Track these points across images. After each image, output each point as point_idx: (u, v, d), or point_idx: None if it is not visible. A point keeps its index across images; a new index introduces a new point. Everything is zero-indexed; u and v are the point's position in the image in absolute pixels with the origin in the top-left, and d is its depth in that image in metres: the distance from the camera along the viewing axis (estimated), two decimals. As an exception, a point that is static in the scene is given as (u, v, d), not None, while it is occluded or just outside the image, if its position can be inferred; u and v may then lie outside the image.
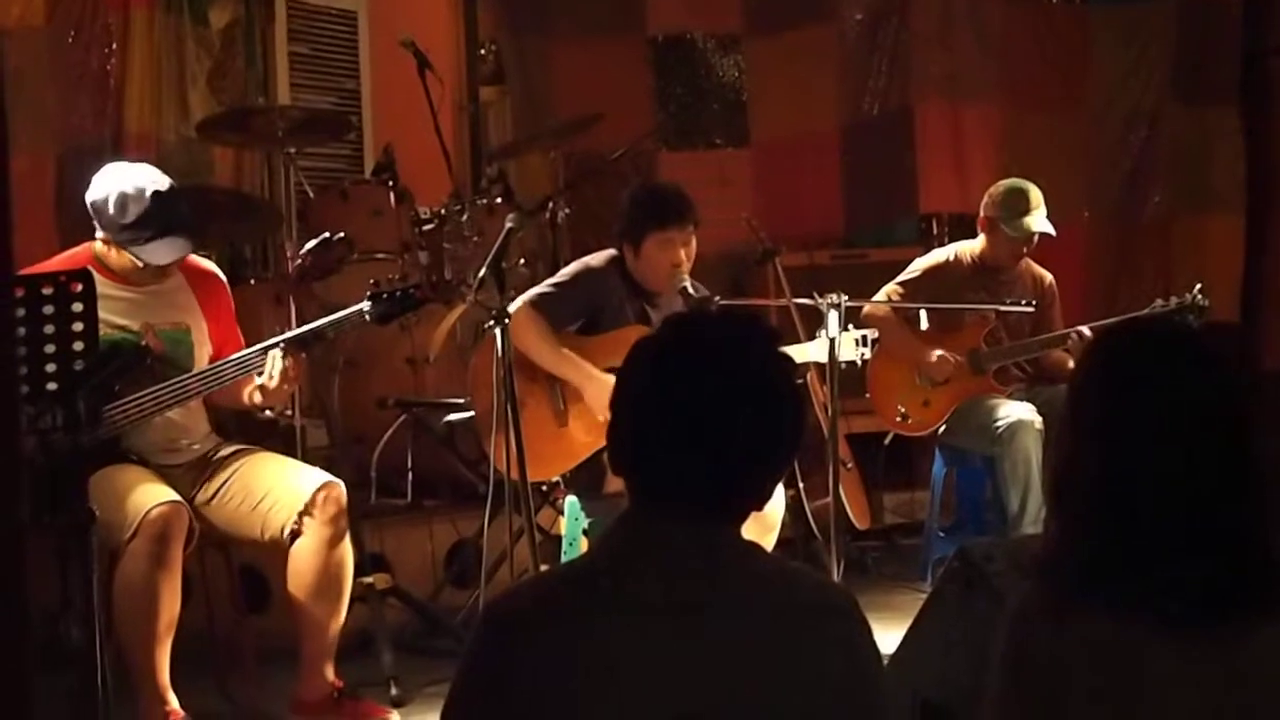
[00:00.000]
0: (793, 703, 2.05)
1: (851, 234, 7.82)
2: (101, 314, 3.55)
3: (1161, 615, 2.09)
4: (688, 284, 4.95)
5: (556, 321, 4.95)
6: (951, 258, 6.15)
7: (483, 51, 8.29)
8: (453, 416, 5.84)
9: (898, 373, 6.05)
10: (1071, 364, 5.78)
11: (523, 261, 6.32)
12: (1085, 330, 5.75)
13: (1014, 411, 5.80)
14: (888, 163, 7.79)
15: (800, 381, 2.23)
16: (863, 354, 5.10)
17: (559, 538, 5.04)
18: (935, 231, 7.68)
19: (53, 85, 6.28)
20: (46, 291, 3.39)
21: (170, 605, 4.17)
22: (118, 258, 4.36)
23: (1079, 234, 7.68)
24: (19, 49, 6.06)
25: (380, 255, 6.21)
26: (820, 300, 4.95)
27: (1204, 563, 2.09)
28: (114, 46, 6.45)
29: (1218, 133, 7.64)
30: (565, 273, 5.13)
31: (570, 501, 4.91)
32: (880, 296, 6.02)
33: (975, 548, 3.17)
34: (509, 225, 4.66)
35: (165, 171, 4.45)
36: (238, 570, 4.79)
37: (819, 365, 5.05)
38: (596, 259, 5.11)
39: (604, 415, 4.78)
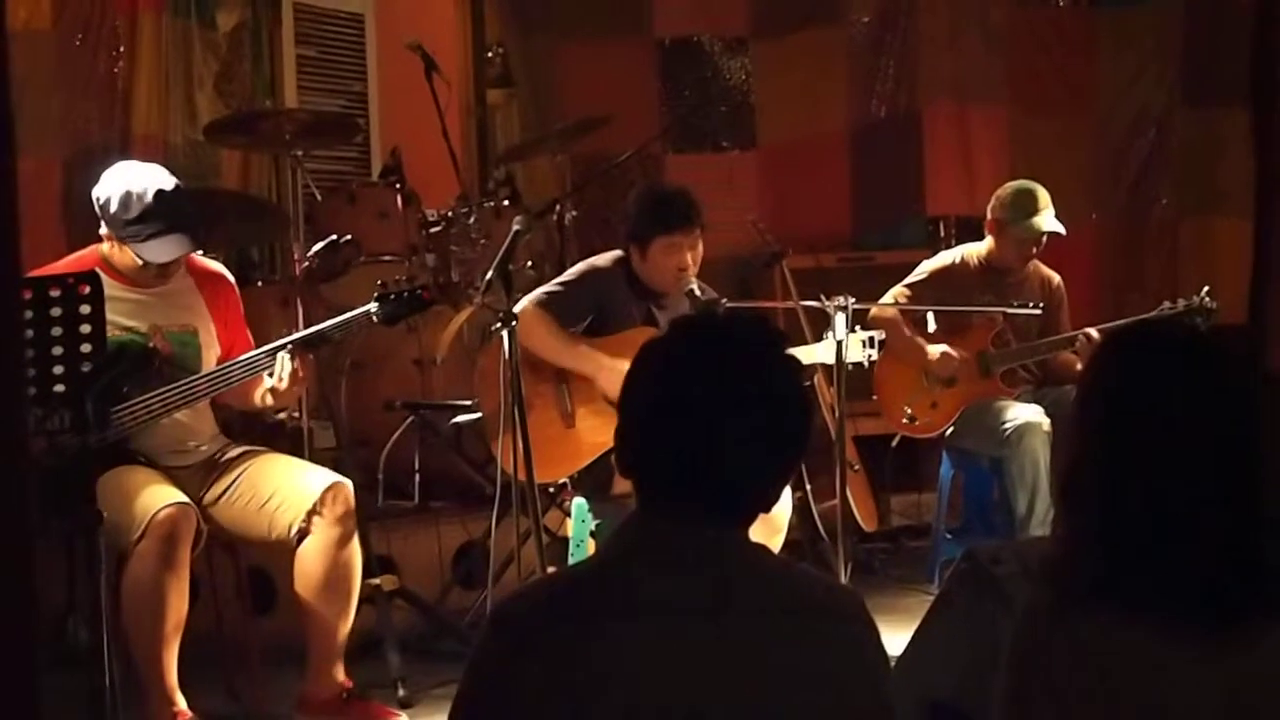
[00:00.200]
0: (800, 705, 2.05)
1: (859, 236, 7.82)
2: (109, 316, 3.56)
3: (1169, 617, 2.08)
4: (695, 286, 4.95)
5: (563, 321, 4.96)
6: (959, 260, 6.15)
7: (490, 54, 8.30)
8: (460, 418, 5.84)
9: (905, 375, 6.04)
10: (1080, 366, 5.77)
11: (530, 264, 6.32)
12: (1093, 332, 5.75)
13: (1022, 414, 5.79)
14: (895, 165, 7.80)
15: (807, 384, 2.23)
16: (870, 355, 5.10)
17: (566, 540, 5.04)
18: (943, 234, 7.67)
19: (60, 88, 6.30)
20: (54, 294, 3.40)
21: (178, 606, 4.17)
22: (125, 259, 4.37)
23: (1087, 236, 7.67)
24: (26, 52, 6.07)
25: (387, 258, 6.21)
26: (827, 303, 4.94)
27: (1212, 565, 2.09)
28: (121, 49, 6.47)
29: (1226, 135, 7.62)
30: (571, 272, 5.13)
31: (578, 503, 4.92)
32: (887, 299, 6.01)
33: (983, 550, 3.16)
34: (516, 228, 4.67)
35: (172, 174, 4.46)
36: (245, 571, 4.79)
37: (826, 367, 5.05)
38: (602, 260, 5.11)
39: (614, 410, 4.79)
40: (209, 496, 4.45)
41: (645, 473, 2.16)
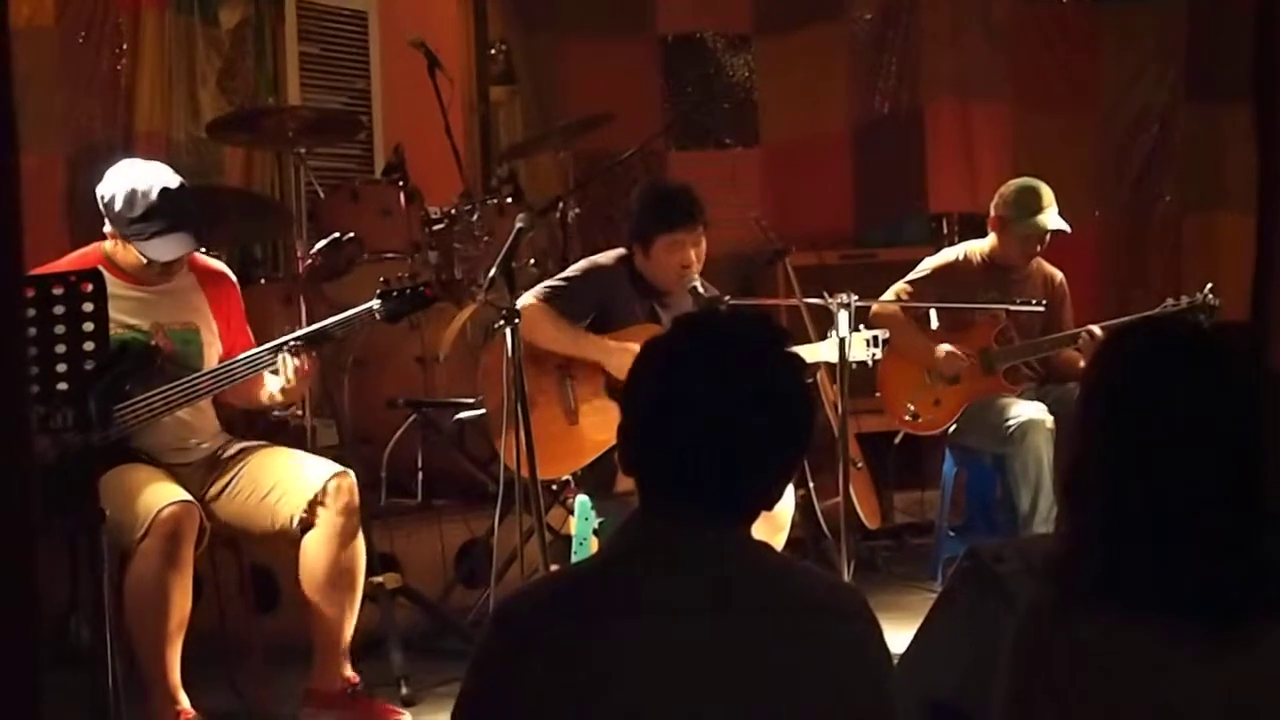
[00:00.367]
0: (803, 703, 2.05)
1: (861, 233, 7.82)
2: (111, 314, 3.55)
3: (1172, 616, 2.08)
4: (697, 283, 4.95)
5: (565, 316, 4.96)
6: (961, 257, 6.15)
7: (493, 51, 8.30)
8: (462, 415, 5.84)
9: (908, 372, 6.04)
10: (1082, 363, 5.77)
11: (533, 261, 6.32)
12: (1096, 330, 5.74)
13: (1025, 411, 5.79)
14: (898, 162, 7.80)
15: (810, 381, 2.23)
16: (874, 354, 5.09)
17: (569, 537, 5.03)
18: (945, 231, 7.67)
19: (63, 85, 6.30)
20: (57, 292, 3.40)
21: (181, 604, 4.17)
22: (127, 256, 4.37)
23: (1090, 233, 7.66)
24: (29, 49, 6.07)
25: (390, 255, 6.21)
26: (830, 300, 4.94)
27: (1215, 564, 2.09)
28: (124, 47, 6.47)
29: (1229, 131, 7.62)
30: (573, 269, 5.14)
31: (580, 501, 4.91)
32: (889, 296, 6.01)
33: (986, 547, 3.16)
34: (519, 225, 4.66)
35: (176, 171, 4.46)
36: (248, 569, 4.79)
37: (829, 365, 5.05)
38: (605, 257, 5.11)
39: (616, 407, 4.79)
40: (211, 493, 4.46)
41: (648, 470, 2.16)
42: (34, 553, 1.57)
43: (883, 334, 5.14)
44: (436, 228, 6.30)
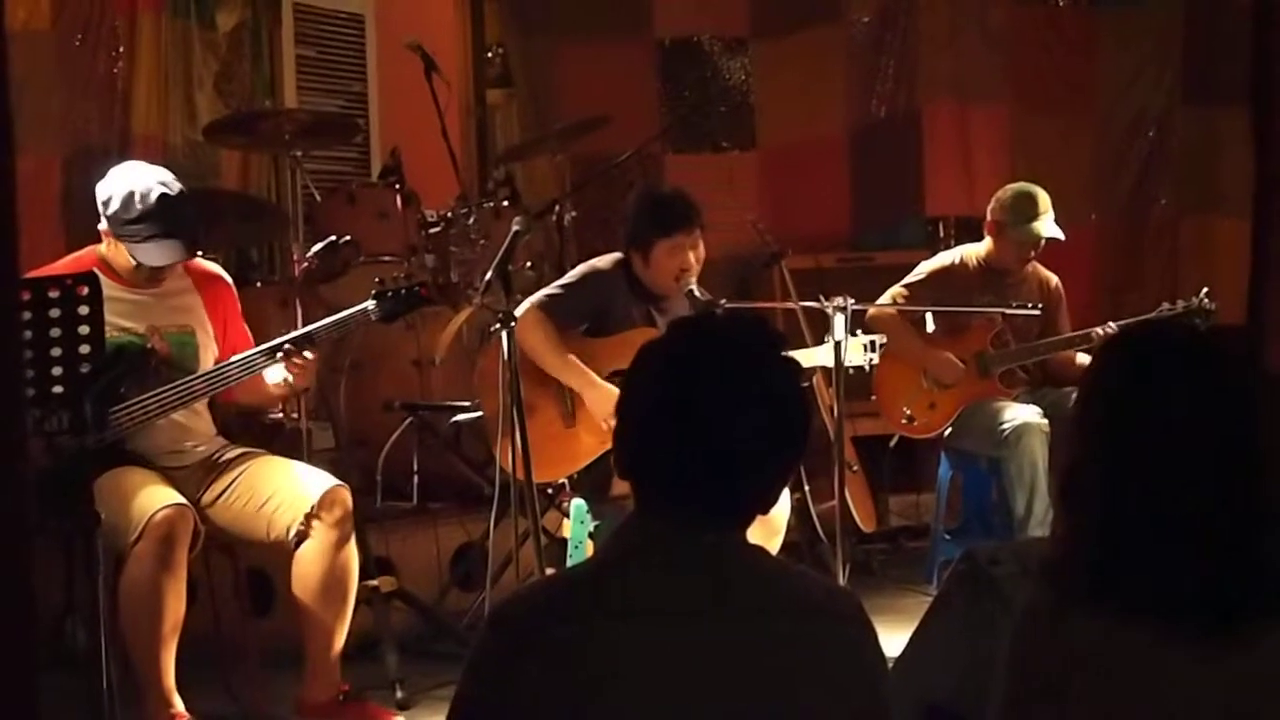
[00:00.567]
0: (798, 706, 2.05)
1: (858, 237, 7.82)
2: (107, 316, 3.55)
3: (1169, 618, 2.08)
4: (694, 287, 4.95)
5: (563, 323, 4.96)
6: (958, 260, 6.15)
7: (490, 54, 8.29)
8: (459, 418, 5.84)
9: (904, 375, 6.04)
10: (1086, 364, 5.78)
11: (529, 264, 6.32)
12: (1112, 326, 5.74)
13: (1020, 414, 5.79)
14: (895, 165, 7.80)
15: (806, 385, 2.23)
16: (871, 359, 5.10)
17: (565, 541, 5.04)
18: (942, 234, 7.67)
19: (59, 88, 6.29)
20: (53, 294, 3.40)
21: (175, 608, 4.17)
22: (123, 259, 4.37)
23: (1086, 236, 7.67)
24: (25, 52, 6.06)
25: (387, 258, 6.21)
26: (826, 303, 4.94)
27: (1212, 566, 2.09)
28: (120, 50, 6.47)
29: (1225, 135, 7.62)
30: (572, 275, 5.14)
31: (576, 504, 4.92)
32: (885, 299, 6.01)
33: (981, 550, 3.16)
34: (516, 228, 4.67)
35: (173, 174, 4.46)
36: (243, 573, 4.79)
37: (825, 368, 5.04)
38: (603, 261, 5.11)
39: (605, 423, 4.80)
40: (207, 497, 4.45)
41: (644, 474, 2.16)
42: (30, 555, 1.57)
43: (879, 338, 5.14)
44: (433, 231, 6.30)
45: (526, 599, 2.27)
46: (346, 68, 8.07)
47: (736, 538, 2.16)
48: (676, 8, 7.95)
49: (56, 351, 3.36)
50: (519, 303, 4.85)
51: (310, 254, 5.75)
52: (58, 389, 3.35)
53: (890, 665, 2.24)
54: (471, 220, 6.27)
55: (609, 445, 4.28)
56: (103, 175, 4.41)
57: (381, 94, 8.15)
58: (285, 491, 4.41)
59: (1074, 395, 2.50)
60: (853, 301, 4.96)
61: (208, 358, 4.54)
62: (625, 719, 2.04)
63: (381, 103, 8.15)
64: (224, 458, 4.55)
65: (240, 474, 4.48)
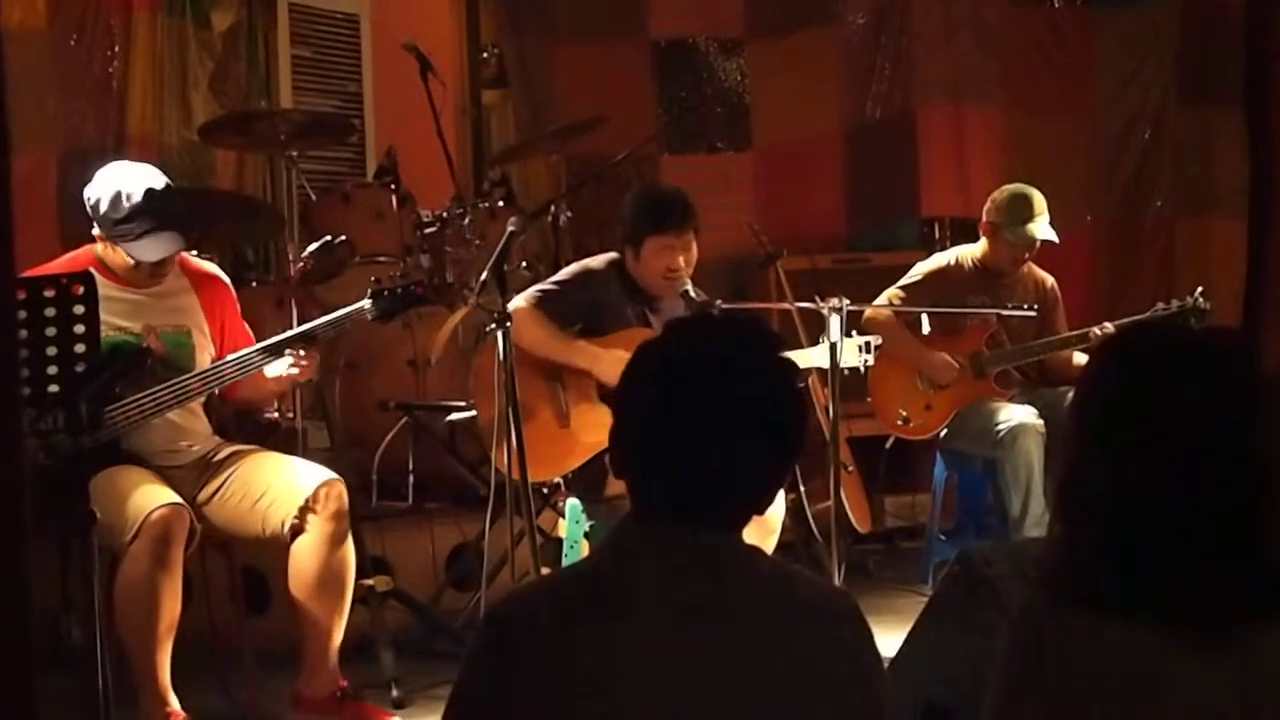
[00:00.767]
0: (793, 706, 2.05)
1: (854, 238, 7.82)
2: (103, 315, 3.55)
3: (1167, 619, 2.08)
4: (689, 288, 4.95)
5: (556, 320, 4.96)
6: (953, 262, 6.15)
7: (485, 55, 8.29)
8: (454, 418, 5.84)
9: (899, 376, 6.04)
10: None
11: (524, 265, 6.32)
12: (1109, 326, 5.75)
13: (1015, 415, 5.80)
14: (890, 166, 7.80)
15: (802, 385, 2.23)
16: (866, 361, 5.10)
17: (560, 540, 5.02)
18: (937, 235, 7.67)
19: (55, 88, 6.29)
20: (48, 294, 3.39)
21: (171, 606, 4.17)
22: (118, 259, 4.37)
23: (1081, 237, 7.68)
24: (21, 51, 6.06)
25: (382, 258, 6.22)
26: (822, 304, 4.95)
27: (1210, 567, 2.09)
28: (116, 49, 6.47)
29: (1220, 135, 7.62)
30: (564, 273, 5.14)
31: (571, 504, 4.90)
32: (881, 300, 6.01)
33: (976, 551, 3.17)
34: (511, 228, 4.67)
35: (167, 174, 4.46)
36: (239, 571, 4.79)
37: (821, 369, 5.04)
38: (596, 261, 5.11)
39: (607, 409, 4.79)
40: (202, 496, 4.45)
41: (640, 474, 2.16)
42: (25, 554, 1.57)
43: (874, 339, 5.15)
44: (428, 231, 6.30)
45: (522, 599, 2.27)
46: (342, 68, 8.07)
47: (732, 538, 2.16)
48: (672, 8, 7.95)
49: (52, 351, 3.36)
50: (512, 300, 4.85)
51: (305, 254, 5.75)
52: (53, 388, 3.34)
53: (886, 665, 2.24)
54: (467, 220, 6.27)
55: (604, 444, 4.28)
56: (91, 180, 4.41)
57: (377, 94, 8.15)
58: (279, 486, 4.41)
59: (1070, 396, 2.51)
60: (848, 302, 4.96)
61: (204, 357, 4.54)
62: (621, 719, 2.04)
63: (377, 103, 8.15)
64: (218, 456, 4.55)
65: (234, 470, 4.48)
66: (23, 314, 3.33)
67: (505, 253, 4.58)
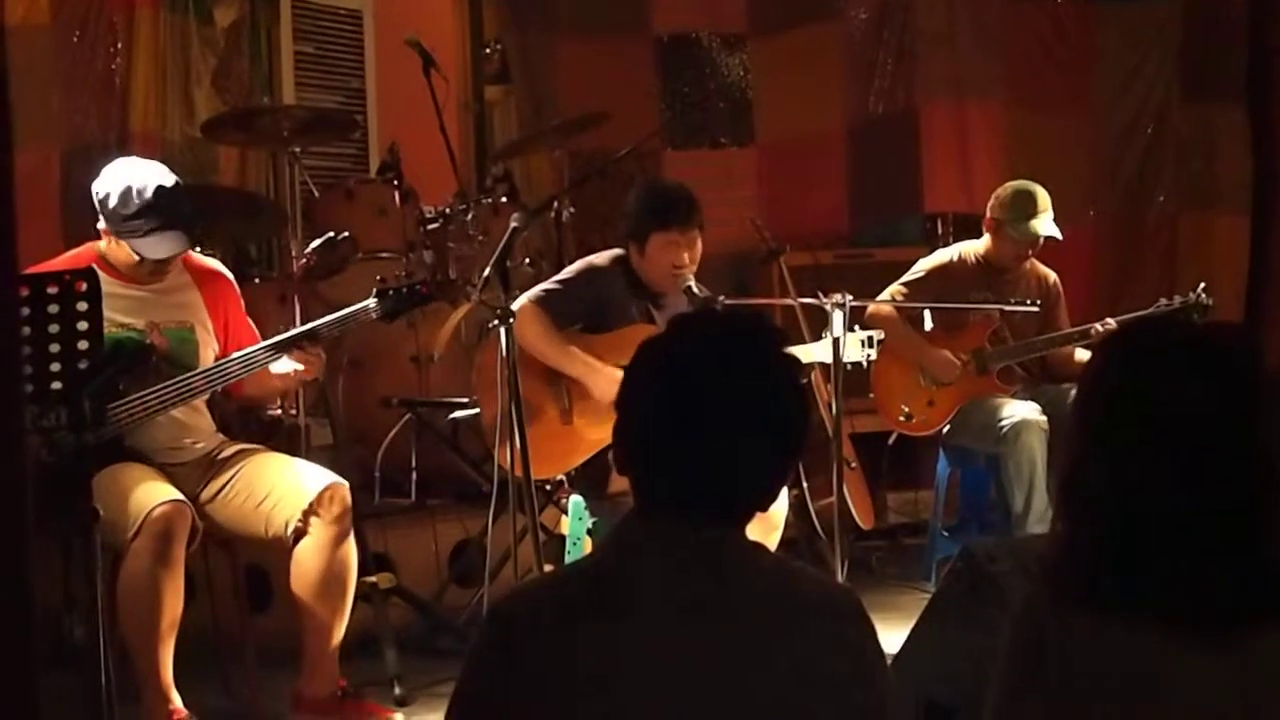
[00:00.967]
0: (796, 704, 2.05)
1: (857, 234, 7.82)
2: (106, 312, 3.56)
3: (1169, 617, 2.08)
4: (692, 284, 4.95)
5: (560, 319, 4.95)
6: (956, 258, 6.15)
7: (488, 50, 8.29)
8: (457, 414, 5.84)
9: (902, 373, 6.05)
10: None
11: (528, 261, 6.32)
12: (1111, 322, 5.75)
13: (1018, 411, 5.80)
14: (893, 162, 7.79)
15: (805, 381, 2.22)
16: (869, 355, 5.10)
17: (563, 537, 5.04)
18: (940, 231, 7.67)
19: (57, 84, 6.29)
20: (51, 291, 3.40)
21: (173, 604, 4.17)
22: (122, 255, 4.37)
23: (1084, 233, 7.67)
24: (23, 47, 6.06)
25: (385, 254, 6.21)
26: (825, 300, 4.95)
27: (1213, 564, 2.09)
28: (119, 45, 6.46)
29: (1224, 131, 7.62)
30: (569, 271, 5.13)
31: (574, 501, 4.92)
32: (884, 296, 6.01)
33: (979, 547, 3.17)
34: (514, 224, 4.67)
35: (170, 170, 4.46)
36: (241, 569, 4.79)
37: (824, 365, 5.05)
38: (601, 258, 5.11)
39: (612, 408, 4.79)
40: (205, 494, 4.45)
41: (643, 470, 2.16)
42: (28, 552, 1.56)
43: (877, 334, 5.15)
44: (431, 227, 6.30)
45: (525, 596, 2.27)
46: (345, 64, 8.07)
47: (736, 534, 2.16)
48: (675, 4, 7.94)
49: (55, 348, 3.36)
50: (517, 299, 4.85)
51: (309, 250, 5.75)
52: (56, 385, 3.34)
53: (889, 662, 2.24)
54: (470, 216, 6.27)
55: (607, 441, 4.28)
56: (100, 173, 4.41)
57: (380, 90, 8.14)
58: (283, 488, 4.41)
59: (1073, 392, 2.51)
60: (851, 298, 4.96)
61: (207, 354, 4.53)
62: (624, 716, 2.04)
63: (380, 99, 8.14)
64: (223, 454, 4.55)
65: (239, 470, 4.48)
66: (26, 310, 3.33)
67: (508, 249, 4.58)
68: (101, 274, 3.60)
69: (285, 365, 4.45)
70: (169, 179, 4.37)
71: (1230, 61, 7.70)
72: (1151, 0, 7.92)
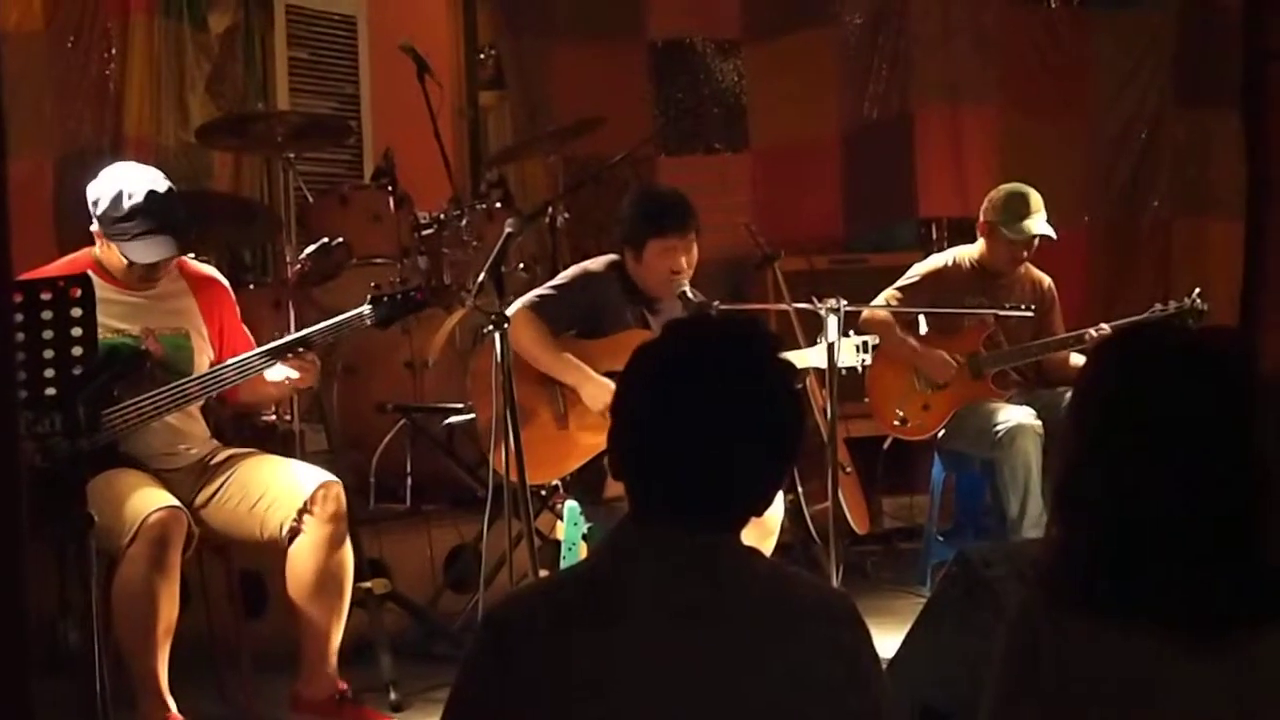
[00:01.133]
0: (791, 708, 2.05)
1: (851, 239, 7.82)
2: (101, 318, 3.56)
3: (1165, 622, 2.08)
4: (687, 289, 4.95)
5: (554, 324, 4.96)
6: (950, 262, 6.15)
7: (482, 56, 8.28)
8: (452, 420, 5.84)
9: (897, 377, 6.05)
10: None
11: (522, 266, 6.32)
12: (1106, 327, 5.75)
13: (1013, 415, 5.80)
14: (887, 167, 7.80)
15: (800, 386, 2.22)
16: (864, 360, 5.10)
17: (558, 543, 5.03)
18: (935, 236, 7.68)
19: (52, 90, 6.28)
20: (45, 297, 3.40)
21: (169, 610, 4.17)
22: (116, 260, 4.37)
23: (1079, 238, 7.68)
24: (18, 54, 6.05)
25: (379, 260, 6.21)
26: (820, 305, 4.95)
27: (1208, 569, 2.09)
28: (113, 51, 6.46)
29: (1218, 136, 7.62)
30: (563, 276, 5.14)
31: (570, 506, 4.91)
32: (879, 301, 6.02)
33: (974, 552, 3.17)
34: (508, 230, 4.66)
35: (164, 176, 4.46)
36: (237, 575, 4.78)
37: (818, 369, 5.05)
38: (596, 264, 5.11)
39: (604, 415, 4.80)
40: (200, 499, 4.45)
41: (638, 476, 2.16)
42: (23, 558, 1.56)
43: (872, 339, 5.15)
44: (425, 232, 6.29)
45: (520, 601, 2.27)
46: (339, 70, 8.06)
47: (731, 539, 2.16)
48: (669, 9, 7.95)
49: (49, 353, 3.36)
50: (511, 304, 4.85)
51: (303, 256, 5.75)
52: (50, 391, 3.34)
53: (884, 667, 2.24)
54: (464, 222, 6.26)
55: (603, 447, 4.28)
56: (96, 177, 4.41)
57: (374, 96, 8.14)
58: (277, 488, 4.40)
59: (1068, 396, 2.51)
60: (845, 303, 4.96)
61: (202, 360, 4.53)
62: (619, 721, 2.04)
63: (374, 105, 8.14)
64: (216, 460, 4.55)
65: (232, 474, 4.48)
66: (20, 316, 3.33)
67: (503, 254, 4.58)
68: (96, 279, 3.61)
69: (280, 373, 4.45)
70: (161, 184, 4.37)
71: (1224, 67, 7.69)
72: (1146, 6, 7.93)
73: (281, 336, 4.58)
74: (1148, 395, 2.14)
